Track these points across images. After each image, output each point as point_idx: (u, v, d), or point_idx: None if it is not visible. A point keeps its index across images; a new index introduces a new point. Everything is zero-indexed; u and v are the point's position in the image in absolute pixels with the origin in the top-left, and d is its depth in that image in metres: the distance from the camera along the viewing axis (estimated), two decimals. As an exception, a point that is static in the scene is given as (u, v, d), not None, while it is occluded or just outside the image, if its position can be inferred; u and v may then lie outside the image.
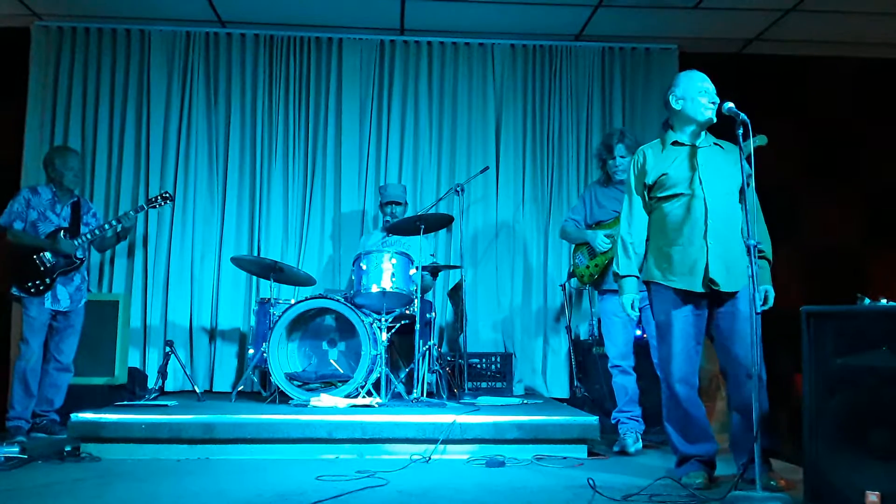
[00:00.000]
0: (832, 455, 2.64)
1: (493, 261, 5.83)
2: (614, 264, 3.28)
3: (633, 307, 3.20)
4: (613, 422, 4.15)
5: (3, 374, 4.77)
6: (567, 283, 5.49)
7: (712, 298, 3.10)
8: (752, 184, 3.12)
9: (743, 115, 2.90)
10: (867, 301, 2.83)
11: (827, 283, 5.73)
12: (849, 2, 5.23)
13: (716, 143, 3.20)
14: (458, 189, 5.19)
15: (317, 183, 5.83)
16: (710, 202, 3.06)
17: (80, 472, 3.28)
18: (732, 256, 3.03)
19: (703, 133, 3.18)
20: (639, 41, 5.96)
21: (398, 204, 5.21)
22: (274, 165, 5.80)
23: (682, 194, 3.10)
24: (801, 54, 6.06)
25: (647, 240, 3.23)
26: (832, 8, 5.34)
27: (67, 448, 3.55)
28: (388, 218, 5.22)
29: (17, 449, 3.46)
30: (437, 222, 4.75)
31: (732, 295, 3.07)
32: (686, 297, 3.09)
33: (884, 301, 2.81)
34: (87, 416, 3.68)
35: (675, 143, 3.19)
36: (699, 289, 3.06)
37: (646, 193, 3.22)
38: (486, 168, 5.60)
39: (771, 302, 3.11)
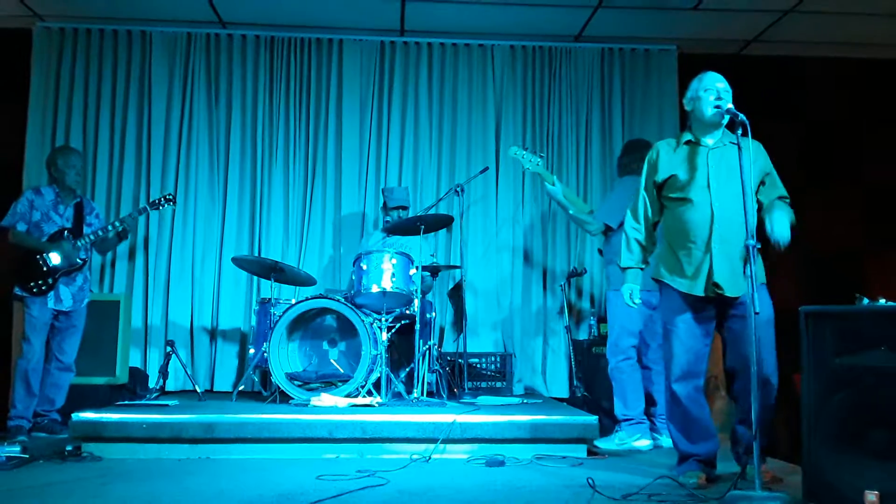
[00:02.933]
0: (831, 455, 2.65)
1: (493, 261, 5.84)
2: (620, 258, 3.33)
3: (631, 297, 3.26)
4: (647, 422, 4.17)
5: (5, 374, 4.78)
6: (566, 283, 5.50)
7: (720, 301, 3.10)
8: (770, 181, 3.15)
9: (742, 116, 2.91)
10: (866, 301, 2.84)
11: (826, 283, 5.74)
12: (849, 2, 5.24)
13: (732, 143, 3.12)
14: (458, 189, 5.19)
15: (317, 183, 5.84)
16: (718, 206, 3.06)
17: (82, 471, 3.29)
18: (740, 260, 2.98)
19: (719, 132, 3.16)
20: (638, 42, 5.97)
21: (405, 208, 5.23)
22: (275, 166, 5.81)
23: (691, 199, 3.10)
24: (800, 55, 6.07)
25: (659, 239, 3.26)
26: (832, 8, 5.34)
27: (69, 448, 3.55)
28: (388, 219, 5.23)
29: (18, 448, 3.47)
30: (437, 222, 4.76)
31: (739, 298, 3.04)
32: (692, 300, 3.10)
33: (882, 301, 2.82)
34: (89, 415, 3.69)
35: (689, 142, 3.19)
36: (701, 293, 3.07)
37: (655, 191, 3.24)
38: (486, 168, 5.61)
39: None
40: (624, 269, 3.30)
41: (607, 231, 4.23)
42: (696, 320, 3.12)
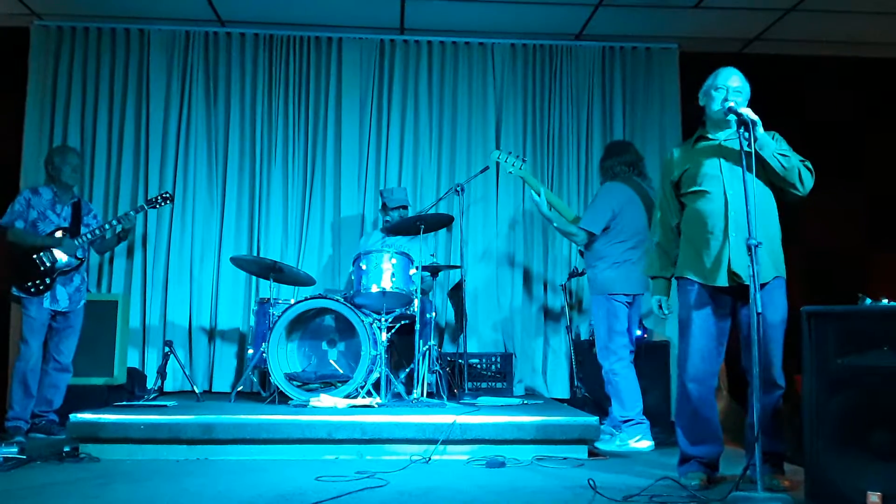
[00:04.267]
0: (833, 455, 2.64)
1: (493, 261, 5.82)
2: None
3: (660, 308, 3.28)
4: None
5: (3, 375, 4.77)
6: (567, 283, 5.49)
7: (737, 295, 3.08)
8: (752, 165, 3.03)
9: (746, 115, 2.92)
10: (868, 301, 2.83)
11: (828, 283, 5.72)
12: (849, 2, 5.22)
13: (745, 138, 3.09)
14: (458, 189, 5.18)
15: (316, 182, 5.82)
16: (731, 193, 3.06)
17: (79, 472, 3.27)
18: (757, 248, 2.95)
19: (732, 129, 3.15)
20: (639, 41, 5.96)
21: (405, 208, 5.21)
22: (273, 165, 5.80)
23: (705, 190, 3.12)
24: (802, 54, 6.05)
25: (681, 237, 3.26)
26: (832, 8, 5.33)
27: (66, 448, 3.54)
28: (388, 219, 5.22)
29: (15, 449, 3.46)
30: (437, 222, 4.75)
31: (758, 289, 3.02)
32: (711, 293, 3.09)
33: (885, 301, 2.81)
34: (86, 416, 3.67)
35: (702, 138, 3.22)
36: (724, 283, 3.05)
37: (673, 191, 3.26)
38: (486, 168, 5.59)
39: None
40: (651, 279, 3.33)
41: (590, 236, 4.25)
42: (713, 317, 3.10)
